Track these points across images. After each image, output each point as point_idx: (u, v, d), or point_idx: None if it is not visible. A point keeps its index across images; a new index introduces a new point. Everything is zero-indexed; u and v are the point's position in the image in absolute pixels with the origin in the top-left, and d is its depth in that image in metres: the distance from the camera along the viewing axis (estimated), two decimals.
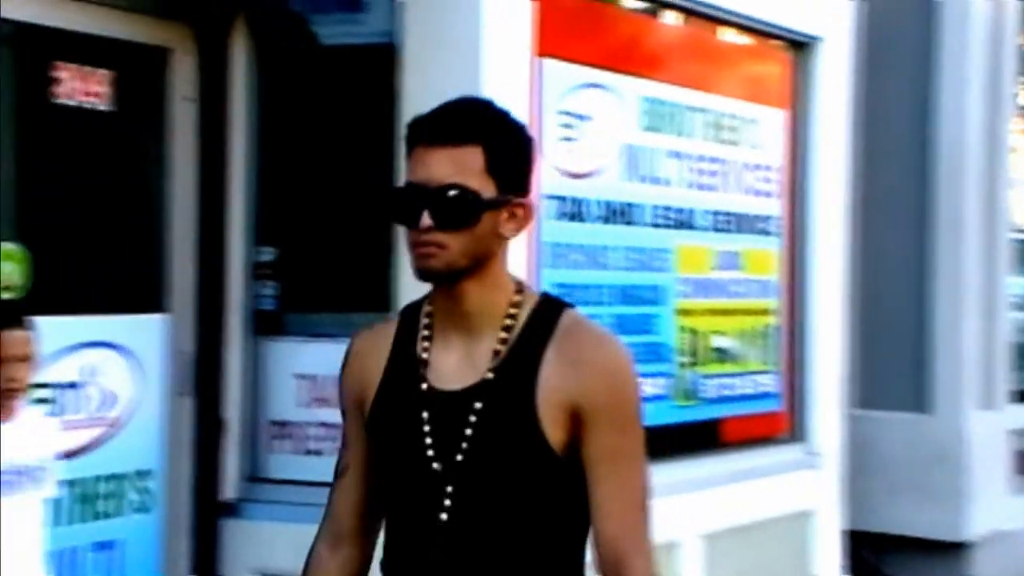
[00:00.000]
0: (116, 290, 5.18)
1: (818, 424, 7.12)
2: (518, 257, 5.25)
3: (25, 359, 3.83)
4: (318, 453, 5.24)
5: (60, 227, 4.99)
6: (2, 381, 3.76)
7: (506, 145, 2.24)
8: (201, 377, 5.30)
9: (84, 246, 5.06)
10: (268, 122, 5.44)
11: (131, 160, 5.26)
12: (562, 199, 5.61)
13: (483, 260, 2.25)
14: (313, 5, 5.40)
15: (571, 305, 2.34)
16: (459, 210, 2.20)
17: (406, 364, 2.28)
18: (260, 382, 5.39)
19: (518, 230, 2.27)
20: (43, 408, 4.54)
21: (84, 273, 5.07)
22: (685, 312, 6.29)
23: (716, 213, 6.49)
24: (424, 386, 2.26)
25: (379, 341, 2.32)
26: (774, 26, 6.79)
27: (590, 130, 5.74)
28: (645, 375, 6.01)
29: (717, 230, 6.51)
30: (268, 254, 5.48)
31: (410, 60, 5.10)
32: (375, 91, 5.27)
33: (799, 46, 7.04)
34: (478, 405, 2.23)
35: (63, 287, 4.96)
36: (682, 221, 6.26)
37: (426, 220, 2.19)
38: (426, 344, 2.28)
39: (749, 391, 6.76)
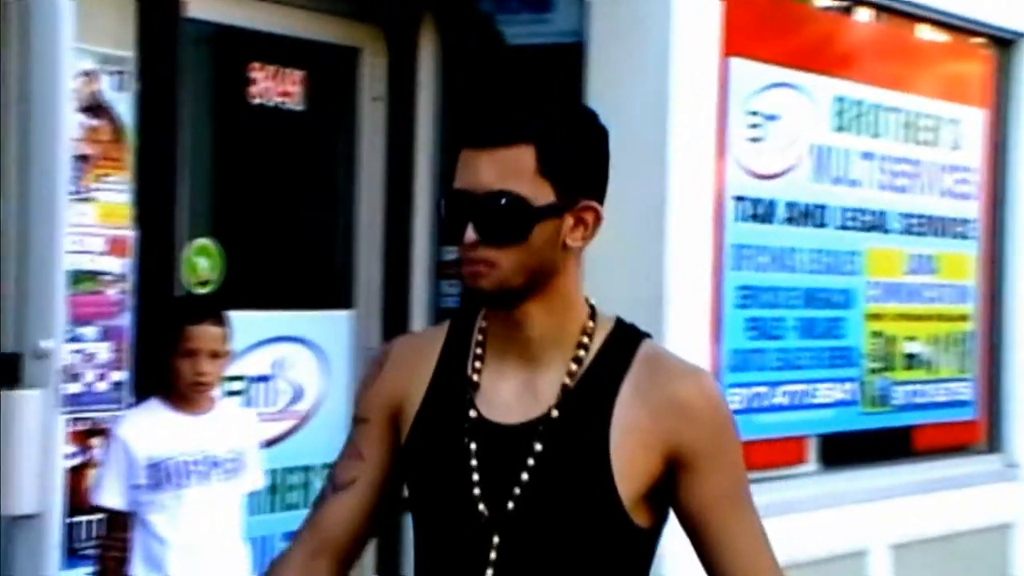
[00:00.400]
0: (305, 286, 5.30)
1: (1017, 434, 6.90)
2: (702, 259, 5.22)
3: (216, 355, 3.90)
4: None
5: (253, 224, 5.13)
6: (192, 374, 3.87)
7: (565, 141, 1.89)
8: None
9: (275, 243, 5.20)
10: (454, 122, 5.50)
11: (321, 159, 5.38)
12: (749, 200, 5.55)
13: (546, 277, 1.90)
14: (501, 5, 5.44)
15: (648, 335, 2.01)
16: (507, 221, 1.86)
17: (453, 385, 1.95)
18: None
19: (587, 239, 1.92)
20: (236, 400, 4.69)
21: (275, 269, 5.21)
22: (875, 317, 6.16)
23: (909, 215, 6.35)
24: (473, 413, 1.93)
25: (424, 352, 1.99)
26: (975, 22, 6.61)
27: (778, 130, 5.67)
28: (832, 380, 5.92)
29: (910, 233, 6.37)
30: (452, 253, 5.54)
31: (596, 59, 5.11)
32: (560, 90, 5.29)
33: (1002, 43, 6.83)
34: (538, 446, 1.89)
35: (255, 282, 5.10)
36: (873, 224, 6.14)
37: (470, 234, 1.87)
38: (478, 365, 1.95)
39: (942, 398, 6.59)
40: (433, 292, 5.51)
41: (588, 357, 1.94)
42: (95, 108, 4.41)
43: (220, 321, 3.95)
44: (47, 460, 3.87)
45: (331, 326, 5.28)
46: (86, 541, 4.25)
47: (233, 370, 4.37)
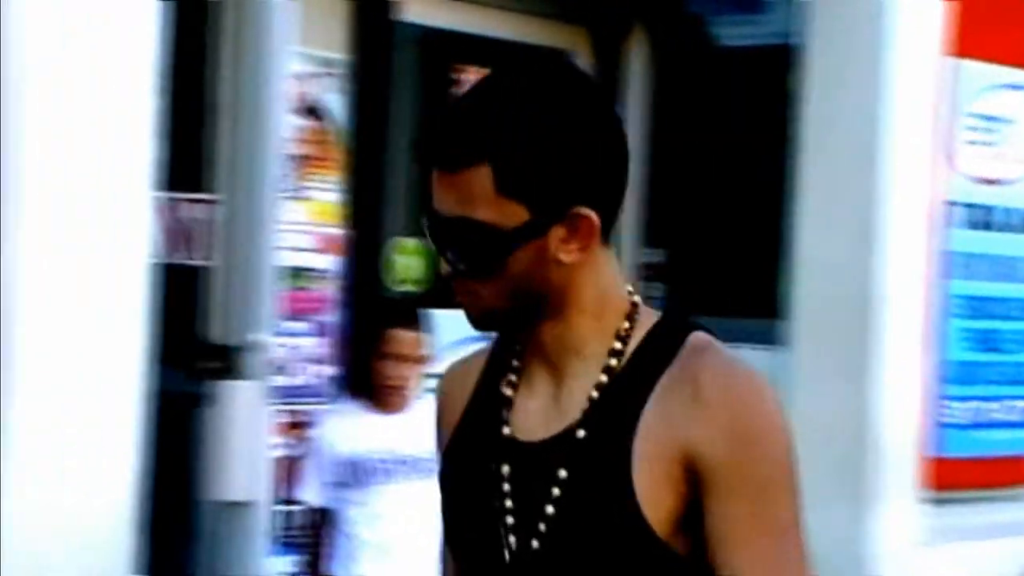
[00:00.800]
0: None
1: None
2: (916, 266, 5.10)
3: (412, 359, 3.90)
4: None
5: None
6: (387, 377, 3.90)
7: (527, 150, 1.61)
8: None
9: None
10: (660, 123, 5.50)
11: None
12: (973, 206, 5.38)
13: (546, 297, 1.66)
14: (712, 7, 5.41)
15: (701, 327, 1.70)
16: (474, 252, 1.63)
17: (487, 404, 1.76)
18: None
19: (586, 248, 1.63)
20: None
21: None
22: None
23: None
24: (506, 430, 1.71)
25: (465, 378, 1.81)
26: None
27: (1009, 134, 5.48)
28: None
29: None
30: (656, 256, 5.53)
31: (811, 61, 5.04)
32: (769, 92, 5.23)
33: None
34: (563, 473, 1.66)
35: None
36: None
37: (444, 267, 1.66)
38: (513, 378, 1.74)
39: None
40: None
41: (621, 364, 1.67)
42: (309, 110, 4.54)
43: (416, 326, 3.93)
44: (257, 449, 4.00)
45: None
46: (292, 530, 4.37)
47: (437, 368, 4.43)
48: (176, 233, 4.25)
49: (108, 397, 3.56)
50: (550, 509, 1.65)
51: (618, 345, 1.67)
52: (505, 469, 1.69)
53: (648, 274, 5.51)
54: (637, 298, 1.70)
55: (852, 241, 4.92)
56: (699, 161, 5.54)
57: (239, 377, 4.01)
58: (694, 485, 1.62)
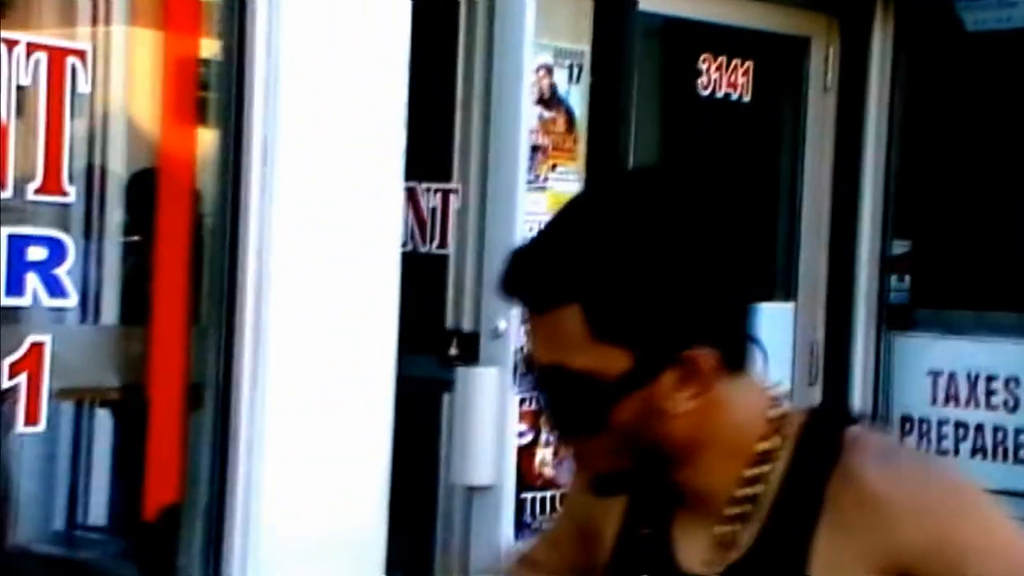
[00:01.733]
0: None
1: None
2: None
3: None
4: (947, 452, 5.13)
5: None
6: None
7: (625, 284, 1.35)
8: (829, 367, 5.35)
9: None
10: (906, 112, 5.39)
11: (768, 150, 5.39)
12: None
13: (663, 450, 1.42)
14: None
15: (852, 419, 1.46)
16: (569, 405, 1.39)
17: (642, 536, 1.52)
18: (890, 376, 5.35)
19: (704, 392, 1.39)
20: None
21: None
22: None
23: None
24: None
25: None
26: None
27: None
28: None
29: None
30: (902, 247, 5.43)
31: None
32: (1020, 77, 5.08)
33: None
34: None
35: None
36: None
37: (547, 421, 1.48)
38: (666, 511, 1.50)
39: None
40: (878, 286, 5.41)
41: (768, 490, 1.42)
42: (550, 100, 4.60)
43: None
44: (502, 435, 4.09)
45: (773, 318, 5.28)
46: (534, 516, 4.45)
47: None
48: (423, 223, 4.38)
49: (363, 383, 3.67)
50: None
51: (755, 471, 1.43)
52: None
53: (893, 266, 5.42)
54: (777, 411, 1.45)
55: None
56: (947, 150, 5.41)
57: (484, 364, 4.11)
58: None
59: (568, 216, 1.42)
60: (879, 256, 5.41)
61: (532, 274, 1.39)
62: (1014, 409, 5.04)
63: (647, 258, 1.36)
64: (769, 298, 5.31)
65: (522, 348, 4.34)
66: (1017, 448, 5.05)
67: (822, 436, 1.44)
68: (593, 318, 1.36)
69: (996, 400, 5.08)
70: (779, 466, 1.44)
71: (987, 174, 5.27)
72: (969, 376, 5.14)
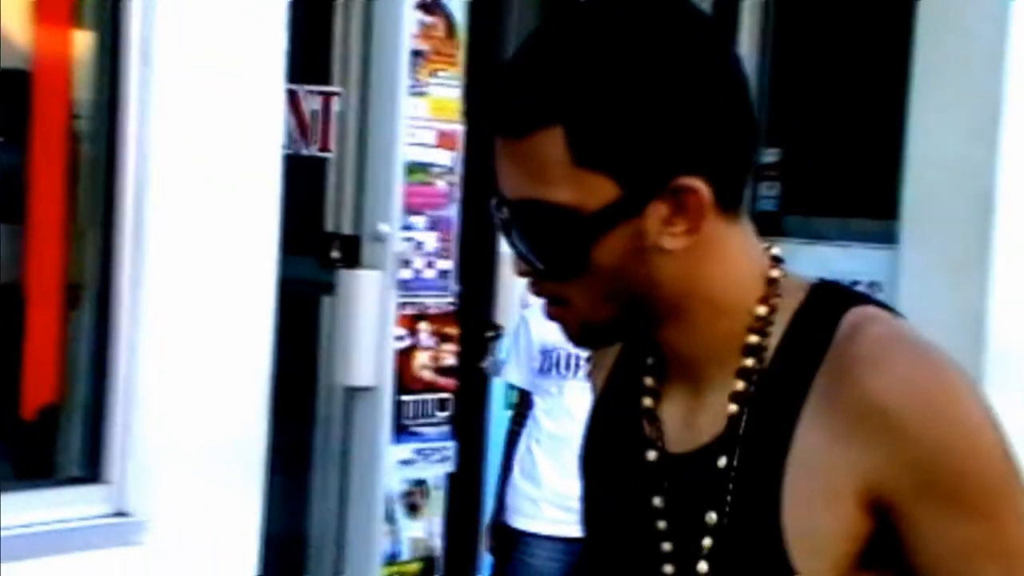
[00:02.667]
0: None
1: None
2: None
3: None
4: None
5: None
6: None
7: (612, 104, 1.22)
8: None
9: None
10: (777, 25, 5.51)
11: None
12: None
13: (650, 295, 1.29)
14: None
15: (861, 298, 1.33)
16: (546, 244, 1.26)
17: (626, 397, 1.41)
18: None
19: (694, 230, 1.26)
20: None
21: None
22: None
23: None
24: (652, 455, 1.36)
25: (604, 354, 1.47)
26: None
27: None
28: None
29: None
30: (771, 155, 5.57)
31: None
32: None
33: None
34: (712, 516, 1.32)
35: None
36: None
37: (519, 266, 1.30)
38: (649, 381, 1.38)
39: None
40: (751, 193, 5.55)
41: (762, 364, 1.30)
42: (431, 6, 4.62)
43: None
44: (382, 338, 4.15)
45: None
46: (412, 419, 4.53)
47: None
48: (305, 126, 4.39)
49: (244, 286, 3.70)
50: (703, 566, 1.33)
51: (754, 339, 1.30)
52: (657, 502, 1.36)
53: (764, 174, 5.55)
54: (777, 272, 1.32)
55: (969, 139, 4.92)
56: (815, 61, 5.55)
57: (366, 267, 4.16)
58: (881, 517, 1.25)
59: (550, 32, 1.27)
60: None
61: (510, 95, 1.25)
62: None
63: (637, 72, 1.22)
64: None
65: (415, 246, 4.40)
66: None
67: (824, 309, 1.30)
68: (576, 141, 1.22)
69: None
70: (772, 342, 1.30)
71: (853, 84, 5.42)
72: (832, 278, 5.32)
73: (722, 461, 1.30)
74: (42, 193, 3.51)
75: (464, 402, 4.69)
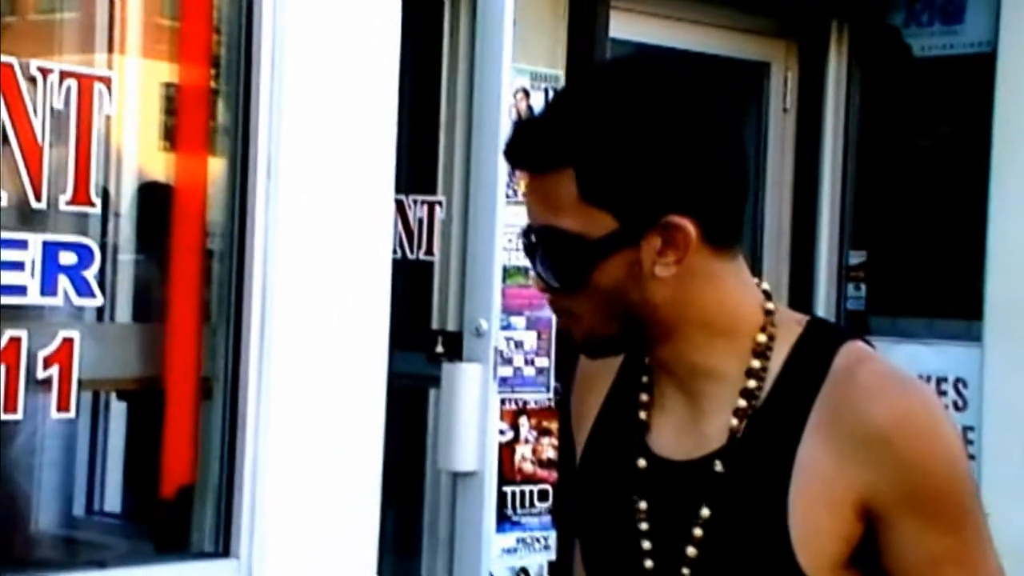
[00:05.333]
0: None
1: None
2: None
3: None
4: None
5: None
6: None
7: (616, 152, 1.54)
8: None
9: None
10: (861, 131, 5.91)
11: None
12: None
13: (646, 314, 1.58)
14: (911, 18, 5.82)
15: (855, 334, 1.66)
16: (558, 263, 1.58)
17: (620, 420, 1.68)
18: None
19: (681, 260, 1.56)
20: None
21: None
22: None
23: None
24: (642, 463, 1.62)
25: (598, 381, 1.74)
26: None
27: None
28: None
29: None
30: (858, 257, 5.97)
31: (1003, 68, 5.39)
32: (971, 99, 5.60)
33: None
34: (706, 511, 1.57)
35: None
36: None
37: (536, 281, 1.63)
38: (644, 397, 1.66)
39: None
40: (837, 294, 5.95)
41: (765, 384, 1.59)
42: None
43: None
44: (484, 425, 4.60)
45: None
46: (514, 509, 4.95)
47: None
48: (411, 232, 4.92)
49: (358, 379, 4.16)
50: (692, 550, 1.57)
51: (756, 363, 1.58)
52: (643, 505, 1.61)
53: (852, 275, 5.93)
54: (772, 305, 1.62)
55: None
56: (898, 167, 5.91)
57: (468, 360, 4.64)
58: (867, 524, 1.54)
59: (568, 91, 1.70)
60: (837, 266, 5.94)
61: (534, 139, 1.59)
62: (962, 408, 5.57)
63: (634, 127, 1.55)
64: None
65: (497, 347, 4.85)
66: (965, 443, 5.58)
67: (821, 343, 1.59)
68: (584, 180, 1.55)
69: (946, 400, 5.53)
70: (774, 365, 1.58)
71: (935, 188, 5.80)
72: (921, 377, 5.63)
73: (720, 466, 1.57)
74: (180, 294, 4.02)
75: None
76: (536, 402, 5.01)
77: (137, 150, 4.12)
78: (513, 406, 5.01)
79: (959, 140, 5.75)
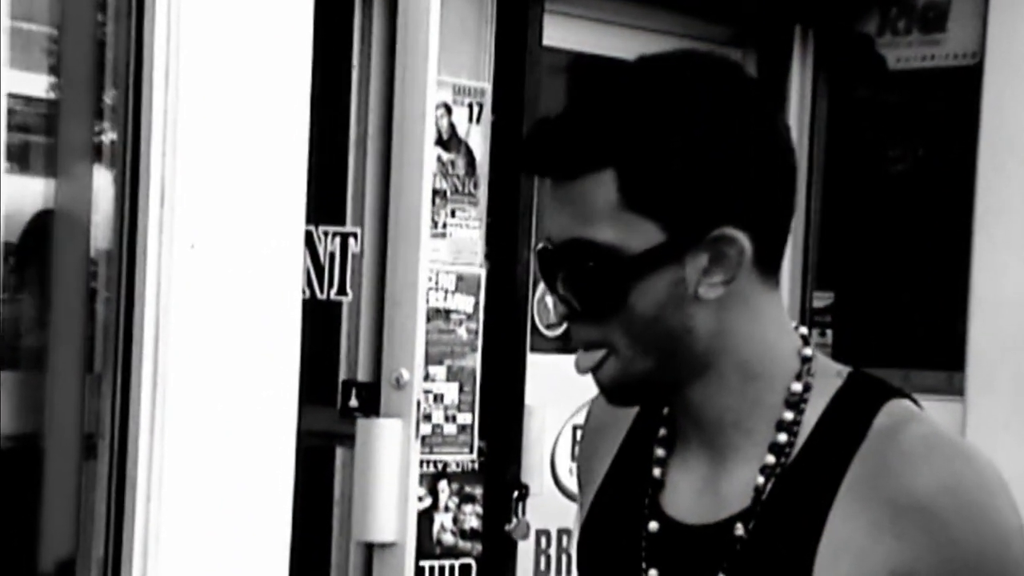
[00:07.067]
0: None
1: None
2: None
3: None
4: None
5: None
6: None
7: (664, 153, 1.58)
8: None
9: None
10: (829, 153, 6.24)
11: None
12: None
13: (685, 345, 1.64)
14: (888, 27, 6.16)
15: (901, 392, 1.70)
16: (585, 282, 1.61)
17: (633, 475, 1.76)
18: None
19: (731, 281, 1.63)
20: None
21: None
22: None
23: None
24: (654, 526, 1.71)
25: (616, 419, 1.81)
26: None
27: None
28: None
29: None
30: (823, 299, 6.28)
31: (990, 82, 5.73)
32: (953, 118, 5.95)
33: None
34: None
35: None
36: None
37: (557, 308, 1.66)
38: (661, 452, 1.75)
39: None
40: None
41: (797, 440, 1.65)
42: (449, 141, 5.45)
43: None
44: (404, 490, 4.94)
45: None
46: None
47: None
48: (320, 268, 5.24)
49: (262, 437, 4.45)
50: None
51: (789, 415, 1.64)
52: (653, 573, 1.69)
53: (817, 320, 6.18)
54: (810, 351, 1.67)
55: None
56: (874, 195, 6.19)
57: (385, 415, 4.97)
58: None
59: (607, 81, 1.65)
60: (799, 309, 6.20)
61: (567, 137, 1.61)
62: None
63: (690, 123, 1.58)
64: None
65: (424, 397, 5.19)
66: None
67: (862, 399, 1.64)
68: (627, 184, 1.58)
69: None
70: (810, 418, 1.64)
71: (912, 220, 6.08)
72: None
73: (740, 529, 1.63)
74: (59, 342, 4.31)
75: (488, 570, 5.39)
76: (458, 464, 5.34)
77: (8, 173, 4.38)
78: (432, 468, 5.31)
79: (940, 164, 6.06)
